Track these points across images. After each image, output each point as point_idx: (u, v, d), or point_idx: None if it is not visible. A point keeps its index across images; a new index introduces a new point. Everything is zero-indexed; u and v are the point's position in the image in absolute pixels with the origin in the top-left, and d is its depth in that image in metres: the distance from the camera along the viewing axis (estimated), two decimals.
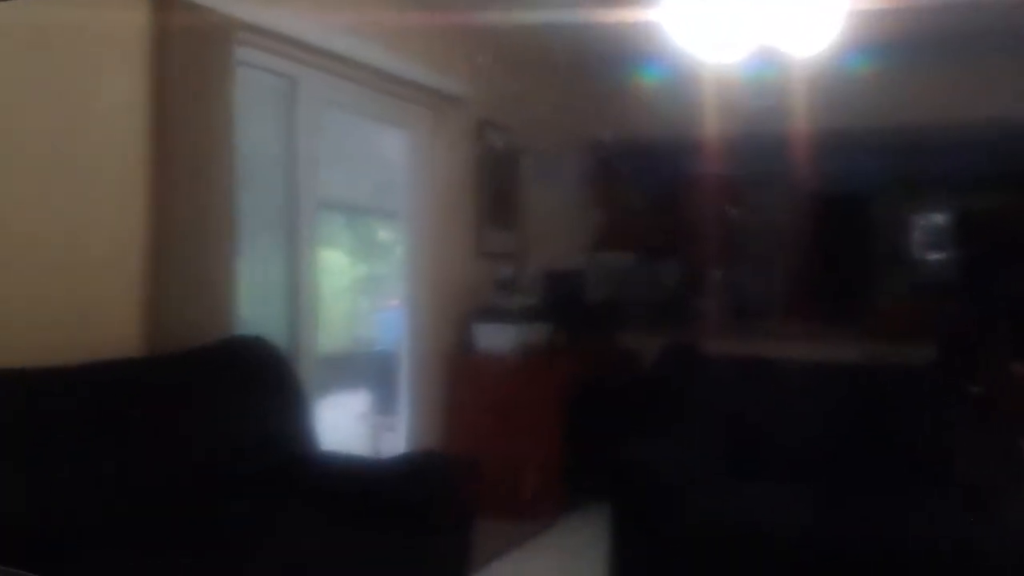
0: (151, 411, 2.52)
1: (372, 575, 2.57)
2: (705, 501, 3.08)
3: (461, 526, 2.85)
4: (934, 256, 5.48)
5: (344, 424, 5.06)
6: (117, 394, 2.46)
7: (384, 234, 7.84)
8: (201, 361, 2.78)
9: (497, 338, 4.52)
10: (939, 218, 5.53)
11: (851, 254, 5.48)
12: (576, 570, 3.74)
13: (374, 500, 2.76)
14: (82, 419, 2.34)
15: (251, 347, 3.01)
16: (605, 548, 3.14)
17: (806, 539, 2.87)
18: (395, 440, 4.62)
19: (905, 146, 5.15)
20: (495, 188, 5.11)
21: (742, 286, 5.76)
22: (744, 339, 4.99)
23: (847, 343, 4.88)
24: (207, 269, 2.97)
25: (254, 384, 2.90)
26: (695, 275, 6.03)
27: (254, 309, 3.67)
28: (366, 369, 6.14)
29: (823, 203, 5.33)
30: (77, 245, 2.66)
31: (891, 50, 4.39)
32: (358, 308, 8.35)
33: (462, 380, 4.59)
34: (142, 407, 2.50)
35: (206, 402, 2.72)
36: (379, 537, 2.61)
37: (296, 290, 3.75)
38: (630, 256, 5.83)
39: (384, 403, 4.96)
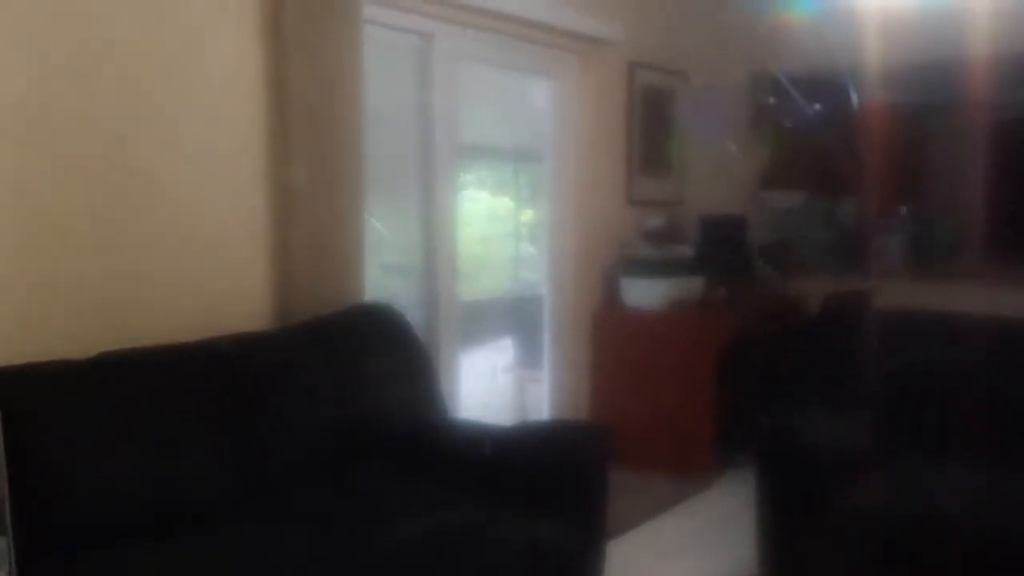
0: (279, 385, 2.56)
1: (499, 549, 2.50)
2: (870, 480, 2.80)
3: (594, 500, 2.74)
4: None
5: (490, 375, 5.08)
6: (245, 368, 2.50)
7: (544, 179, 7.76)
8: (327, 332, 2.79)
9: (646, 292, 4.33)
10: None
11: None
12: (727, 530, 3.57)
13: (503, 472, 2.70)
14: (211, 395, 2.41)
15: (378, 314, 2.99)
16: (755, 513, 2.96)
17: (990, 530, 2.53)
18: (542, 393, 4.57)
19: None
20: (647, 132, 4.86)
21: (926, 225, 5.23)
22: (929, 282, 4.54)
23: None
24: (334, 235, 2.97)
25: (381, 353, 2.89)
26: (875, 214, 5.54)
27: (397, 256, 3.71)
28: (517, 317, 6.13)
29: (1012, 130, 4.70)
30: (200, 217, 2.70)
31: None
32: (523, 252, 8.35)
33: (608, 336, 4.45)
34: (270, 381, 2.54)
35: (333, 373, 2.73)
36: (509, 510, 2.55)
37: (434, 236, 3.73)
38: (800, 194, 5.41)
39: (530, 355, 4.91)
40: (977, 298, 4.02)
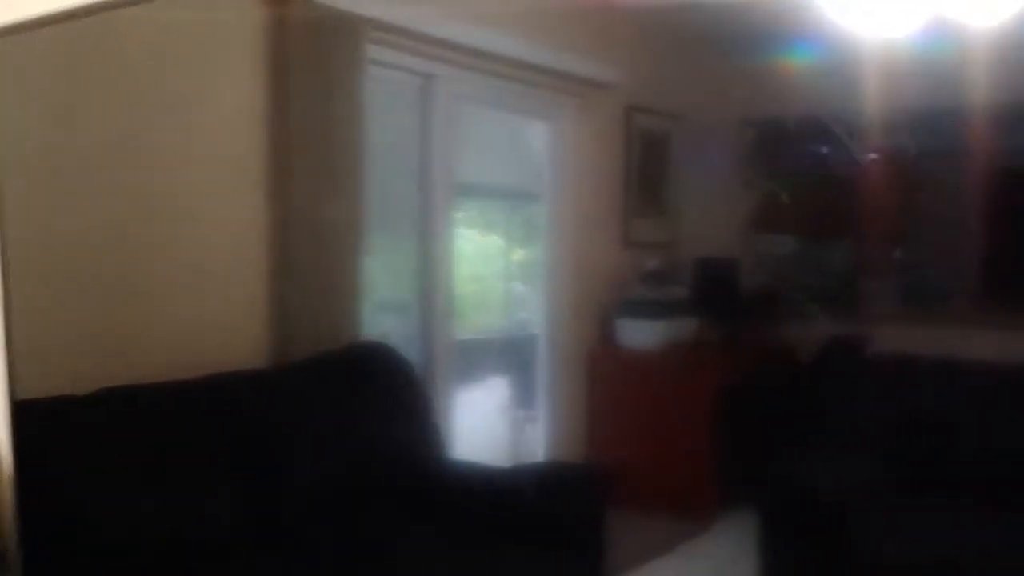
0: (276, 424, 2.54)
1: None
2: (872, 526, 2.79)
3: (595, 543, 2.71)
4: None
5: (485, 414, 5.04)
6: (242, 407, 2.48)
7: (540, 218, 7.79)
8: (324, 370, 2.78)
9: (642, 333, 4.33)
10: None
11: None
12: (735, 571, 3.54)
13: (502, 516, 2.68)
14: (208, 434, 2.38)
15: (375, 354, 2.98)
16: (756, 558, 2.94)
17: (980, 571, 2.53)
18: (536, 434, 4.54)
19: None
20: (644, 174, 4.90)
21: (920, 270, 5.27)
22: (923, 327, 4.55)
23: None
24: (332, 273, 2.97)
25: (382, 392, 2.87)
26: (867, 259, 5.58)
27: (393, 294, 3.71)
28: (511, 357, 6.10)
29: (1008, 179, 4.77)
30: (200, 254, 2.69)
31: None
32: (512, 293, 8.35)
33: (604, 376, 4.44)
34: (266, 420, 2.52)
35: (335, 413, 2.71)
36: (507, 554, 2.52)
37: (432, 276, 3.73)
38: (792, 239, 5.45)
39: (526, 395, 4.89)
40: (968, 344, 4.04)
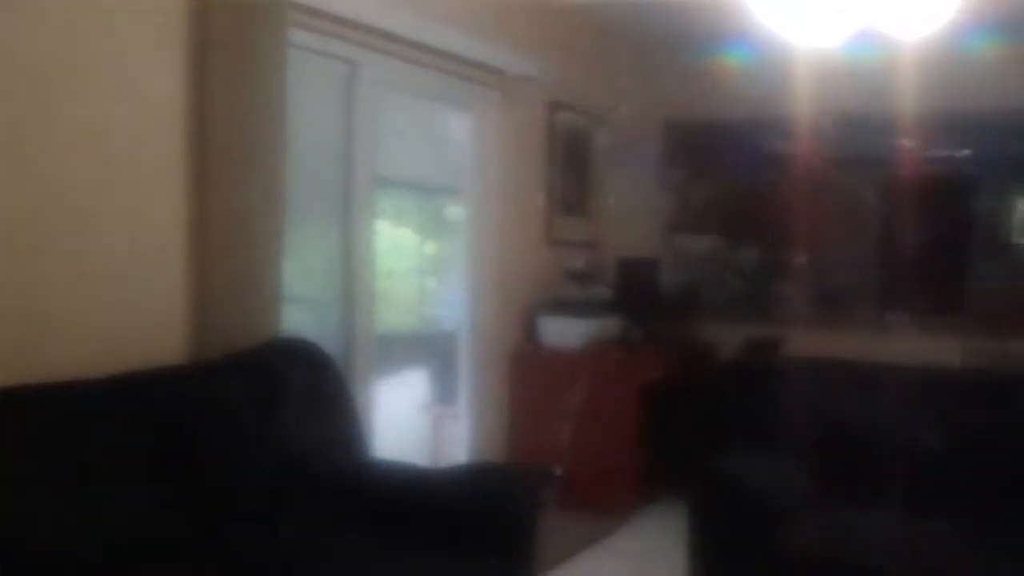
0: (194, 422, 2.40)
1: None
2: (789, 521, 2.82)
3: (526, 546, 2.67)
4: None
5: (403, 411, 4.95)
6: (158, 406, 2.34)
7: (454, 212, 7.70)
8: (245, 367, 2.64)
9: (566, 332, 4.31)
10: None
11: (951, 242, 5.08)
12: (652, 569, 3.57)
13: (432, 517, 2.60)
14: (123, 433, 2.23)
15: (298, 350, 2.86)
16: (679, 548, 2.97)
17: (899, 572, 2.58)
18: (457, 431, 4.47)
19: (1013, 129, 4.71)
20: (567, 172, 4.88)
21: (833, 274, 5.41)
22: (834, 330, 4.69)
23: (946, 337, 4.54)
24: (253, 265, 2.83)
25: (301, 390, 2.75)
26: (782, 261, 5.71)
27: (311, 287, 3.58)
28: (429, 352, 6.02)
29: (921, 188, 4.94)
30: (114, 246, 2.53)
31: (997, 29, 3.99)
32: (425, 287, 8.25)
33: (528, 374, 4.41)
34: (184, 418, 2.38)
35: (256, 410, 2.58)
36: (437, 556, 2.46)
37: (352, 267, 3.63)
38: (710, 240, 5.54)
39: (447, 391, 4.82)
40: (875, 345, 4.17)
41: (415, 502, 2.66)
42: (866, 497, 2.96)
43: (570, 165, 4.91)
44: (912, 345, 4.32)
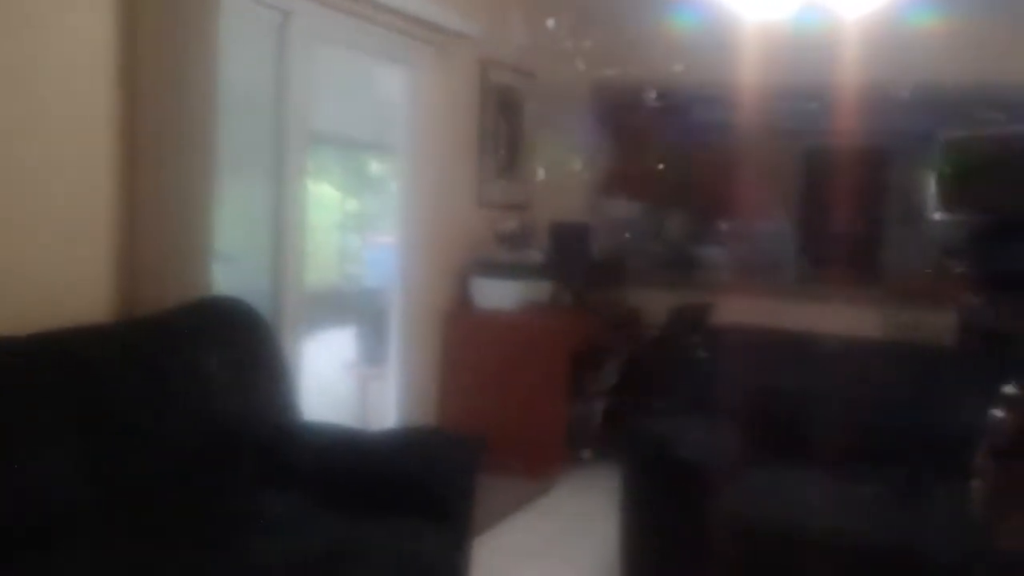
0: (126, 382, 2.30)
1: (365, 561, 2.37)
2: (718, 483, 2.88)
3: (463, 511, 2.66)
4: (961, 222, 5.19)
5: (329, 369, 4.88)
6: (81, 365, 2.22)
7: (377, 169, 7.55)
8: (174, 327, 2.54)
9: (498, 294, 4.29)
10: (965, 181, 5.25)
11: (870, 214, 5.23)
12: (581, 531, 3.62)
13: (368, 482, 2.57)
14: (46, 394, 2.11)
15: (229, 309, 2.76)
16: (608, 510, 3.03)
17: (839, 536, 2.66)
18: (384, 392, 4.42)
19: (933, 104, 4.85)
20: (499, 133, 4.83)
21: (756, 242, 5.52)
22: (758, 298, 4.78)
23: (865, 307, 4.69)
24: (182, 221, 2.70)
25: (232, 350, 2.67)
26: (707, 228, 5.79)
27: (239, 244, 3.46)
28: (354, 310, 5.93)
29: (844, 159, 5.06)
30: (38, 196, 2.38)
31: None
32: (347, 244, 8.11)
33: (459, 336, 4.38)
34: (108, 378, 2.27)
35: (184, 371, 2.49)
36: (373, 522, 2.42)
37: (282, 224, 3.52)
38: (636, 205, 5.57)
39: (373, 351, 4.76)
40: (797, 314, 4.28)
41: (350, 466, 2.63)
42: (792, 460, 3.06)
43: (503, 126, 4.85)
44: (834, 314, 4.44)
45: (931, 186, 5.20)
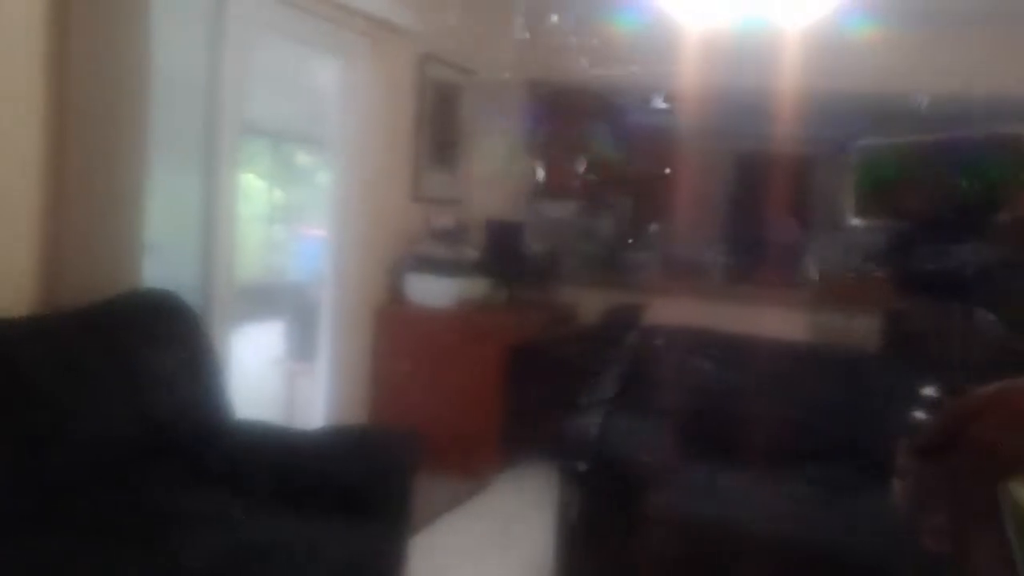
0: (52, 376, 2.20)
1: (296, 560, 2.32)
2: (652, 483, 2.91)
3: (401, 510, 2.62)
4: (880, 227, 5.38)
5: (255, 364, 4.77)
6: (3, 361, 2.11)
7: (305, 160, 7.41)
8: (102, 320, 2.44)
9: (432, 290, 4.25)
10: (888, 191, 5.42)
11: (798, 218, 5.37)
12: (516, 531, 3.61)
13: (300, 481, 2.52)
14: None
15: (159, 302, 2.67)
16: (543, 510, 3.02)
17: (773, 536, 2.71)
18: (312, 389, 4.34)
19: (865, 112, 4.99)
20: (435, 127, 4.78)
21: (686, 244, 5.61)
22: (687, 299, 4.84)
23: (793, 310, 4.79)
24: (112, 211, 2.60)
25: (164, 344, 2.58)
26: (638, 229, 5.86)
27: (168, 235, 3.35)
28: (281, 304, 5.81)
29: (774, 165, 5.18)
30: None
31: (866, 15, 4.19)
32: (274, 236, 7.94)
33: (392, 332, 4.33)
34: (28, 374, 2.17)
35: (112, 366, 2.40)
36: (308, 522, 2.37)
37: (213, 214, 3.41)
38: (570, 205, 5.60)
39: (301, 347, 4.67)
40: (726, 316, 4.34)
41: (285, 464, 2.57)
42: (724, 460, 3.11)
43: (439, 120, 4.81)
44: (761, 316, 4.53)
45: (850, 192, 5.36)
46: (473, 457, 4.12)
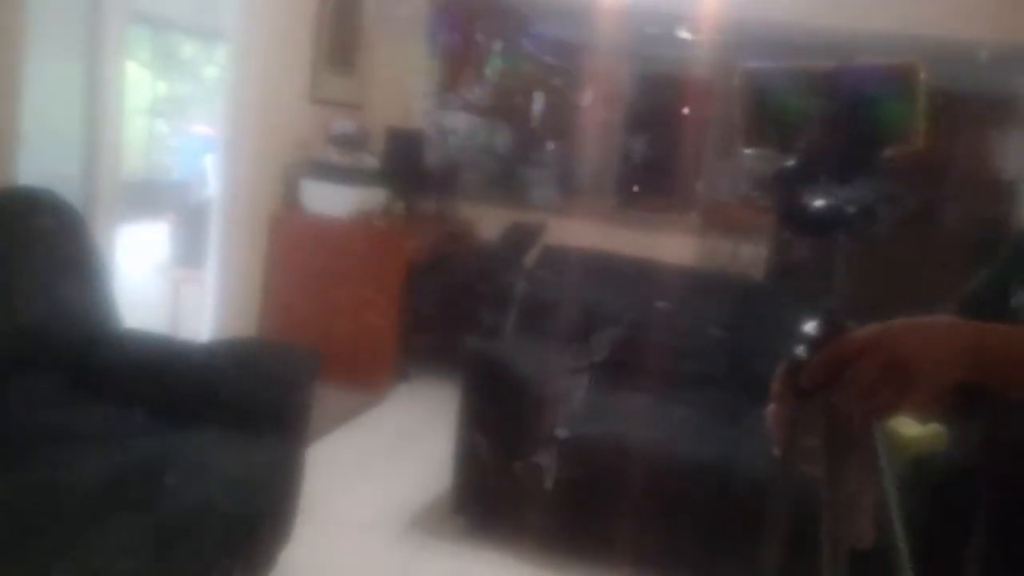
0: None
1: (190, 479, 2.25)
2: (551, 400, 2.95)
3: (298, 424, 2.57)
4: (768, 157, 5.48)
5: (140, 271, 4.57)
6: None
7: (191, 51, 6.98)
8: None
9: (330, 198, 4.11)
10: (773, 120, 5.51)
11: (690, 144, 5.43)
12: (411, 445, 3.61)
13: (191, 395, 2.42)
14: None
15: (37, 202, 2.48)
16: (439, 424, 3.04)
17: (665, 452, 2.80)
18: (200, 297, 4.17)
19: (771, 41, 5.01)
20: (337, 26, 4.55)
21: (579, 164, 5.60)
22: (578, 220, 4.86)
23: (682, 235, 4.88)
24: None
25: (39, 248, 2.40)
26: (534, 146, 5.81)
27: (47, 126, 3.11)
28: (164, 204, 5.55)
29: (672, 87, 5.19)
30: None
31: None
32: (156, 131, 7.51)
33: (285, 241, 4.18)
34: None
35: None
36: (198, 436, 2.30)
37: (96, 106, 3.18)
38: (466, 117, 5.48)
39: (189, 252, 4.47)
40: (617, 238, 4.39)
41: (177, 376, 2.46)
42: (618, 381, 3.18)
43: (340, 18, 4.58)
44: (652, 240, 4.58)
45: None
46: (368, 370, 4.08)
